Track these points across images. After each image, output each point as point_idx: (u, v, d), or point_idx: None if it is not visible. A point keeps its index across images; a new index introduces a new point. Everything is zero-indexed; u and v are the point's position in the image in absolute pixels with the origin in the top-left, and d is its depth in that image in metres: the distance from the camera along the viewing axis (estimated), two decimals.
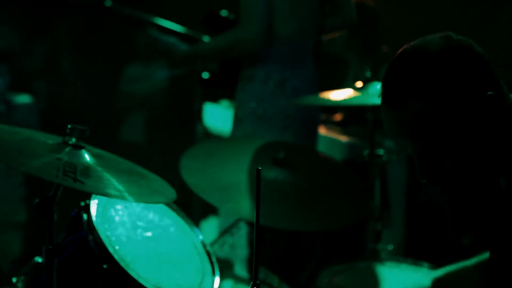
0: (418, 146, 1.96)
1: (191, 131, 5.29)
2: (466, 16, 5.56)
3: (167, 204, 2.44)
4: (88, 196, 2.25)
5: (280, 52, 3.67)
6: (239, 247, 3.77)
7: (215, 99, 5.49)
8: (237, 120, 3.74)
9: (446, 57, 1.93)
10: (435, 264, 2.55)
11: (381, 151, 3.00)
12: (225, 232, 3.52)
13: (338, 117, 5.29)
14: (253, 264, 2.31)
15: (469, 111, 1.92)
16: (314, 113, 3.82)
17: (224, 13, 3.95)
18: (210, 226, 4.52)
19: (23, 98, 5.53)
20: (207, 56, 3.84)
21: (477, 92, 1.91)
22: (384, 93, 1.97)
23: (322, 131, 4.87)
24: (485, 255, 2.08)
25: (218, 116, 5.52)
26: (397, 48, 2.05)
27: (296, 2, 3.72)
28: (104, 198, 2.28)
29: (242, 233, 3.73)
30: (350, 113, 5.06)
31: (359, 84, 2.98)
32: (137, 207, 2.37)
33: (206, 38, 3.96)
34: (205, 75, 3.97)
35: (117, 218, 2.27)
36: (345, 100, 2.94)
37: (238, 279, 2.89)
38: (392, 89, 1.96)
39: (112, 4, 3.86)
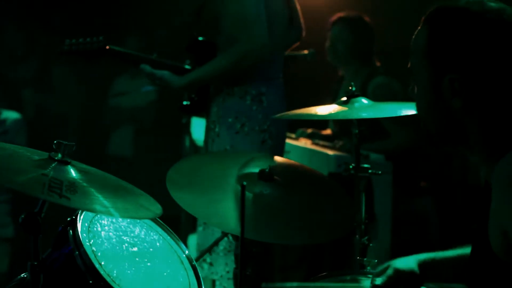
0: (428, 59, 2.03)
1: (179, 144, 5.30)
2: None
3: (153, 219, 2.45)
4: (74, 211, 2.25)
5: (257, 67, 3.77)
6: (217, 265, 3.78)
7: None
8: (215, 136, 3.81)
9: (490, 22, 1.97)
10: None
11: (366, 164, 3.01)
12: (205, 251, 3.53)
13: (327, 131, 5.31)
14: (238, 279, 2.33)
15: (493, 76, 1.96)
16: (285, 127, 3.98)
17: (202, 38, 4.04)
18: None
19: (12, 114, 5.52)
20: (211, 78, 3.87)
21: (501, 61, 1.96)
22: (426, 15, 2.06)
23: (308, 144, 4.89)
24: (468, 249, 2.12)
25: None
26: (389, 64, 2.12)
27: (274, 16, 3.80)
28: (90, 213, 2.28)
29: (219, 251, 3.75)
30: (339, 127, 5.09)
31: (344, 98, 2.99)
32: (123, 222, 2.37)
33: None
34: (185, 102, 4.05)
35: (103, 233, 2.28)
36: (330, 114, 2.95)
37: None
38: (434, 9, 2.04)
39: (111, 46, 3.94)
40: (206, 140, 3.95)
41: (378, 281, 2.35)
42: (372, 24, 5.16)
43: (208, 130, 3.93)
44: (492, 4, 1.99)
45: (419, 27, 2.07)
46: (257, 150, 3.73)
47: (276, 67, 3.93)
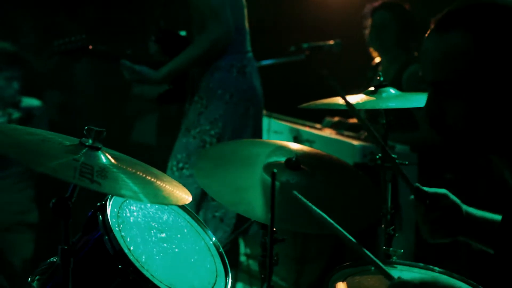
0: (440, 76, 2.00)
1: None
2: None
3: (181, 206, 2.46)
4: (103, 197, 2.27)
5: (237, 42, 4.13)
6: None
7: None
8: (203, 108, 4.08)
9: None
10: (446, 268, 2.55)
11: (393, 155, 3.01)
12: (239, 233, 3.56)
13: (356, 120, 5.29)
14: (266, 267, 2.34)
15: (505, 69, 1.93)
16: (262, 96, 4.31)
17: (181, 32, 4.30)
18: None
19: (33, 102, 5.56)
20: (187, 67, 4.17)
21: None
22: (440, 17, 2.01)
23: (333, 134, 4.89)
24: None
25: None
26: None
27: (235, 2, 4.13)
28: (119, 199, 2.30)
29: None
30: (370, 116, 5.07)
31: (371, 88, 2.99)
32: (151, 208, 2.39)
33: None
34: (161, 92, 4.27)
35: (132, 219, 2.29)
36: (357, 104, 2.95)
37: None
38: (448, 13, 2.01)
39: (93, 46, 4.12)
40: (190, 115, 4.17)
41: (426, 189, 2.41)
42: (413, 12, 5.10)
43: (193, 104, 4.16)
44: None
45: (446, 33, 2.00)
46: (244, 118, 4.12)
47: (248, 42, 4.26)
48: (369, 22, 5.12)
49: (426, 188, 2.44)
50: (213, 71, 4.12)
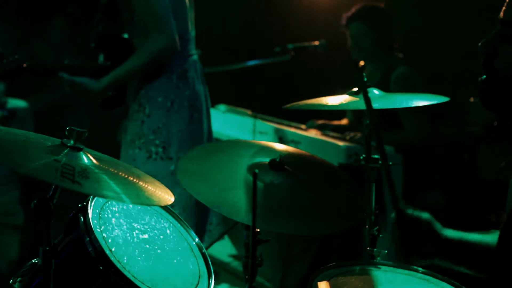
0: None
1: None
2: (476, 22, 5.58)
3: (164, 207, 2.46)
4: (85, 198, 2.26)
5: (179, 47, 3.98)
6: None
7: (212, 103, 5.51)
8: (146, 117, 3.99)
9: None
10: (430, 269, 2.55)
11: (377, 155, 3.01)
12: (224, 233, 3.54)
13: (344, 121, 5.31)
14: (248, 267, 2.33)
15: None
16: (208, 100, 4.23)
17: (119, 35, 4.19)
18: None
19: (19, 103, 5.54)
20: (130, 77, 4.05)
21: None
22: None
23: (318, 135, 4.89)
24: None
25: (215, 120, 5.53)
26: (411, 54, 2.14)
27: (179, 7, 4.05)
28: (101, 200, 2.29)
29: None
30: (357, 118, 5.08)
31: (355, 89, 2.99)
32: (133, 209, 2.38)
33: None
34: (104, 98, 4.21)
35: (113, 220, 2.28)
36: (341, 104, 2.94)
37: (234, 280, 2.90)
38: None
39: (27, 63, 4.06)
40: (132, 124, 4.08)
41: (409, 212, 2.41)
42: (389, 10, 5.11)
43: (135, 112, 4.07)
44: None
45: None
46: (188, 125, 4.01)
47: (192, 45, 4.16)
48: (347, 33, 5.16)
49: (410, 211, 2.43)
50: (152, 78, 4.03)
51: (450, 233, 2.41)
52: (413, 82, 4.88)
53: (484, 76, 2.13)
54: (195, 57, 4.16)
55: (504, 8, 2.12)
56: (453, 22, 5.63)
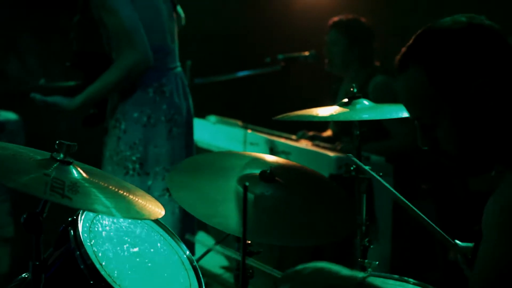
0: (416, 112, 2.10)
1: None
2: None
3: (154, 220, 2.45)
4: (75, 212, 2.25)
5: (154, 60, 3.88)
6: None
7: (202, 114, 5.52)
8: (122, 133, 3.92)
9: (457, 35, 2.02)
10: (421, 280, 2.55)
11: (368, 166, 3.01)
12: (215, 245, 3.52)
13: (327, 133, 5.32)
14: (240, 280, 2.33)
15: (467, 91, 2.00)
16: (189, 113, 4.11)
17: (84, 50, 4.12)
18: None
19: (10, 115, 5.52)
20: (104, 94, 3.96)
21: (479, 75, 1.99)
22: (397, 59, 2.12)
23: (309, 146, 4.89)
24: None
25: (206, 131, 5.53)
26: (391, 65, 2.15)
27: (155, 9, 3.94)
28: (91, 214, 2.28)
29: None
30: (340, 129, 5.09)
31: (345, 100, 3.00)
32: (124, 223, 2.37)
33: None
34: (85, 116, 4.14)
35: (104, 234, 2.28)
36: (331, 115, 2.95)
37: None
38: (401, 54, 2.10)
39: None
40: (110, 140, 4.01)
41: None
42: (369, 25, 5.15)
43: (111, 128, 4.00)
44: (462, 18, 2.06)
45: (405, 71, 2.09)
46: (166, 140, 3.92)
47: (171, 58, 4.06)
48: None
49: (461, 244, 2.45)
50: (127, 93, 3.94)
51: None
52: (392, 90, 4.91)
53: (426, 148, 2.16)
54: (177, 70, 4.08)
55: (406, 109, 2.15)
56: None
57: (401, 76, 2.10)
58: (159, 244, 2.40)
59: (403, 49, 2.11)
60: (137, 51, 3.80)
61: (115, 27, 3.80)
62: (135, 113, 3.91)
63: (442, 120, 2.04)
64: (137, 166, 3.90)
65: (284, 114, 3.41)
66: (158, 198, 3.63)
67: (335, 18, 5.21)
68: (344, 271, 2.20)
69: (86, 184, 2.09)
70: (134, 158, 3.89)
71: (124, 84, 3.88)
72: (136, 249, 2.31)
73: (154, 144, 3.92)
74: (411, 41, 2.10)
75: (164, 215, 3.80)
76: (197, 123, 4.96)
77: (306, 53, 5.19)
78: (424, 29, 2.09)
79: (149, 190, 3.86)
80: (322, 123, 5.30)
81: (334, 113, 2.95)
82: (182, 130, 4.01)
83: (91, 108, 4.10)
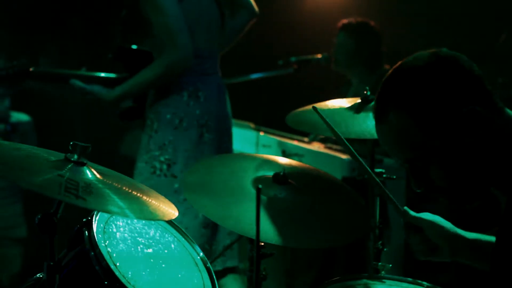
0: (405, 155, 2.07)
1: None
2: (468, 34, 5.59)
3: (168, 221, 2.45)
4: (89, 212, 2.26)
5: (193, 64, 3.90)
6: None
7: None
8: (152, 132, 3.93)
9: (425, 71, 2.02)
10: (435, 283, 2.55)
11: (381, 169, 3.01)
12: (228, 247, 3.54)
13: None
14: (253, 281, 2.33)
15: (450, 124, 1.99)
16: (228, 121, 4.12)
17: (134, 46, 4.10)
18: None
19: (22, 116, 5.55)
20: (141, 89, 3.98)
21: (458, 106, 1.98)
22: (374, 108, 2.11)
23: (322, 148, 4.89)
24: None
25: None
26: None
27: (201, 14, 3.89)
28: (105, 215, 2.29)
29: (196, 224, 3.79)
30: None
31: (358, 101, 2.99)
32: (138, 224, 2.38)
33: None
34: (123, 109, 4.15)
35: (118, 235, 2.28)
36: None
37: None
38: (377, 101, 2.10)
39: (35, 68, 4.00)
40: (143, 137, 4.03)
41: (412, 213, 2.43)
42: (378, 28, 5.15)
43: (145, 127, 4.02)
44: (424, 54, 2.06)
45: (384, 121, 2.08)
46: (196, 144, 3.91)
47: (211, 63, 4.06)
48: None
49: (413, 213, 2.43)
50: (163, 94, 3.96)
51: (462, 232, 2.41)
52: None
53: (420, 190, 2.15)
54: (215, 76, 4.07)
55: (392, 155, 2.14)
56: (451, 40, 5.65)
57: (383, 125, 2.08)
58: (173, 245, 2.40)
59: (377, 98, 2.10)
60: (180, 51, 3.82)
61: (161, 25, 3.83)
62: (168, 115, 3.93)
63: (434, 158, 2.03)
64: (164, 167, 3.91)
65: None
66: (184, 202, 3.65)
67: (345, 21, 5.22)
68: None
69: (100, 185, 2.09)
70: (162, 158, 3.90)
71: (162, 82, 3.90)
72: (150, 250, 2.31)
73: (184, 147, 3.92)
74: (382, 88, 2.09)
75: (187, 219, 3.81)
76: None
77: (319, 56, 5.19)
78: (392, 72, 2.08)
79: (175, 193, 3.85)
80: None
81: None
82: (214, 136, 3.99)
83: (130, 101, 4.12)
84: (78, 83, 3.96)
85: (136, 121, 4.24)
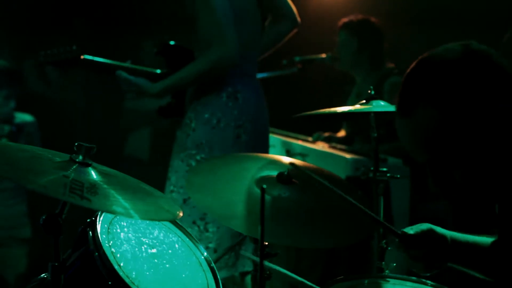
0: (429, 154, 1.98)
1: None
2: (472, 33, 5.58)
3: (172, 221, 2.46)
4: (93, 213, 2.26)
5: (234, 66, 3.86)
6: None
7: None
8: (190, 131, 3.91)
9: (459, 66, 1.92)
10: (439, 282, 2.55)
11: (385, 168, 3.01)
12: (232, 247, 3.54)
13: (341, 133, 5.32)
14: (257, 281, 2.33)
15: (479, 121, 1.91)
16: (265, 124, 4.07)
17: (172, 42, 4.13)
18: None
19: (26, 117, 5.56)
20: (185, 84, 3.97)
21: (489, 104, 1.90)
22: (398, 100, 2.01)
23: (326, 148, 4.89)
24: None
25: None
26: (402, 65, 2.10)
27: (243, 16, 3.86)
28: (109, 215, 2.29)
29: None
30: (353, 129, 5.09)
31: (363, 101, 3.00)
32: (142, 224, 2.38)
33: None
34: (163, 105, 4.12)
35: (122, 235, 2.28)
36: (352, 110, 2.97)
37: None
38: (404, 94, 1.99)
39: (85, 56, 4.00)
40: (180, 136, 4.01)
41: (411, 231, 2.34)
42: (379, 25, 5.15)
43: (183, 125, 4.00)
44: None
45: (411, 116, 1.99)
46: (232, 145, 3.89)
47: (251, 65, 4.05)
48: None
49: (409, 230, 2.40)
50: (202, 93, 3.96)
51: (457, 235, 2.40)
52: None
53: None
54: (254, 79, 4.06)
55: (413, 154, 2.04)
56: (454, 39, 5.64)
57: (407, 119, 1.99)
58: (177, 245, 2.40)
59: (403, 91, 2.00)
60: (227, 47, 3.79)
61: (209, 21, 3.80)
62: (206, 114, 3.92)
63: (460, 157, 1.94)
64: None
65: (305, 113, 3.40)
66: None
67: (345, 19, 5.22)
68: None
69: (105, 186, 2.10)
70: (198, 157, 3.89)
71: (206, 78, 3.89)
72: (154, 250, 2.31)
73: (220, 147, 3.90)
74: (409, 80, 2.00)
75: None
76: None
77: (323, 55, 5.20)
78: (421, 64, 1.99)
79: None
80: (337, 125, 5.30)
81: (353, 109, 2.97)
82: (250, 138, 3.96)
83: (170, 97, 4.11)
84: (124, 74, 3.95)
85: (138, 122, 4.24)
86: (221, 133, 3.91)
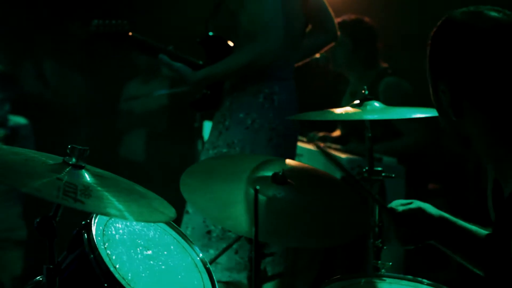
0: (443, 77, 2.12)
1: (192, 148, 5.31)
2: None
3: (167, 223, 2.46)
4: (88, 215, 2.26)
5: (272, 67, 3.82)
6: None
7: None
8: (223, 129, 3.86)
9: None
10: (435, 280, 2.55)
11: (380, 168, 3.02)
12: (228, 247, 3.53)
13: (336, 133, 5.32)
14: (252, 281, 2.33)
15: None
16: (295, 128, 4.01)
17: (211, 33, 4.06)
18: None
19: (20, 120, 5.55)
20: (225, 75, 3.90)
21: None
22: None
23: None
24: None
25: None
26: (395, 64, 2.15)
27: (290, 15, 3.83)
28: (104, 217, 2.29)
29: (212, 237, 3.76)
30: (348, 129, 5.09)
31: (357, 101, 3.00)
32: (137, 226, 2.38)
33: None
34: (198, 96, 4.06)
35: (117, 237, 2.28)
36: (346, 114, 2.96)
37: None
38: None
39: (133, 33, 3.97)
40: (211, 133, 3.97)
41: (400, 208, 2.37)
42: (372, 24, 5.15)
43: (216, 123, 3.96)
44: (492, 13, 2.10)
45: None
46: (264, 147, 3.81)
47: (289, 68, 3.99)
48: None
49: (398, 206, 2.42)
50: (238, 92, 3.90)
51: (447, 216, 2.41)
52: (403, 91, 4.91)
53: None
54: (291, 81, 3.99)
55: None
56: None
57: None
58: (172, 247, 2.40)
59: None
60: (270, 41, 3.72)
61: (257, 12, 3.73)
62: (241, 114, 3.86)
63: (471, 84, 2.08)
64: None
65: (299, 114, 3.41)
66: None
67: (339, 19, 5.21)
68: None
69: (99, 188, 2.10)
70: None
71: (248, 70, 3.81)
72: (149, 252, 2.31)
73: (252, 148, 3.84)
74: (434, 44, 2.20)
75: None
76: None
77: (317, 56, 5.19)
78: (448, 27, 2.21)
79: None
80: (332, 125, 5.30)
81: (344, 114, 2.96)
82: (281, 142, 3.90)
83: (205, 89, 4.05)
84: (166, 58, 3.90)
85: (134, 123, 4.21)
86: (254, 134, 3.84)
